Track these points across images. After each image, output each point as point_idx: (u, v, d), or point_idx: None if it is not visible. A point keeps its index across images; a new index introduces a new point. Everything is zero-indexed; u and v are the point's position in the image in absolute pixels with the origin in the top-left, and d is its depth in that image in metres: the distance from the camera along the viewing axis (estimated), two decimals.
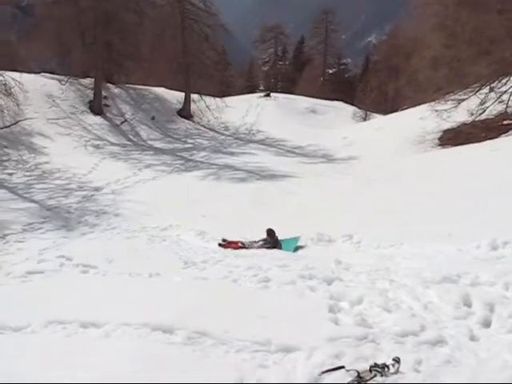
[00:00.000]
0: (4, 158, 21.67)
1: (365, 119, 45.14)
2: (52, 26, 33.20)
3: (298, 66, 73.78)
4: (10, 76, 24.63)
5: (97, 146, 26.38)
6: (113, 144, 27.56)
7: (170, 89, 39.29)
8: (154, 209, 15.69)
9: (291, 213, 15.57)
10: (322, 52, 71.85)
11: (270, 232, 12.19)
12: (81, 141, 26.43)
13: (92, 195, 18.21)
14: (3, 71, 24.32)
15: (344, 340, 5.55)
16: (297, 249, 11.89)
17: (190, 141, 31.54)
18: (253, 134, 35.27)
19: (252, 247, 12.08)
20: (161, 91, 38.50)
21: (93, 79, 31.99)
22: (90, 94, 31.52)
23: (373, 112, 46.97)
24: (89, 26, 31.73)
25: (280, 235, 12.20)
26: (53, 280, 9.02)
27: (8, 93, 23.78)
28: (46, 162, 22.03)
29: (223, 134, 34.45)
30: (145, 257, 11.02)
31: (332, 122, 41.87)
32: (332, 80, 72.55)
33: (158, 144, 29.56)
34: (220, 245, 12.45)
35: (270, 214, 15.76)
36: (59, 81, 31.71)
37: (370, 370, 4.58)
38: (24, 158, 22.12)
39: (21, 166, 21.24)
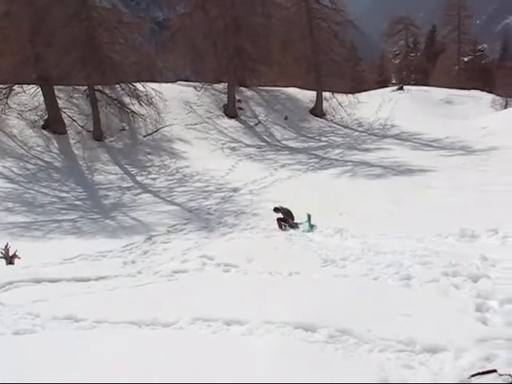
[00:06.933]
0: (148, 164, 22.88)
1: (505, 107, 42.32)
2: (185, 37, 34.55)
3: (431, 57, 71.01)
4: (151, 87, 25.98)
5: (233, 148, 27.02)
6: (248, 145, 28.08)
7: (302, 88, 39.25)
8: (291, 207, 15.73)
9: (430, 208, 14.82)
10: (455, 40, 68.44)
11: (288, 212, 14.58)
12: (217, 144, 27.24)
13: (230, 196, 18.59)
14: (145, 83, 25.71)
15: (495, 341, 5.16)
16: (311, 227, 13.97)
17: (323, 139, 31.24)
18: (387, 128, 34.21)
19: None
20: (292, 91, 38.60)
21: (226, 84, 32.84)
22: (224, 98, 32.37)
23: None
24: (219, 32, 32.63)
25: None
26: (196, 279, 9.33)
27: (149, 102, 25.13)
28: (186, 166, 22.92)
29: (357, 131, 33.79)
30: (284, 255, 11.10)
31: (469, 112, 39.75)
32: (468, 68, 68.94)
33: (292, 143, 29.61)
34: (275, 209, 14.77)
35: (409, 209, 15.18)
36: (194, 87, 33.04)
37: None
38: (165, 163, 23.21)
39: (163, 170, 22.29)
